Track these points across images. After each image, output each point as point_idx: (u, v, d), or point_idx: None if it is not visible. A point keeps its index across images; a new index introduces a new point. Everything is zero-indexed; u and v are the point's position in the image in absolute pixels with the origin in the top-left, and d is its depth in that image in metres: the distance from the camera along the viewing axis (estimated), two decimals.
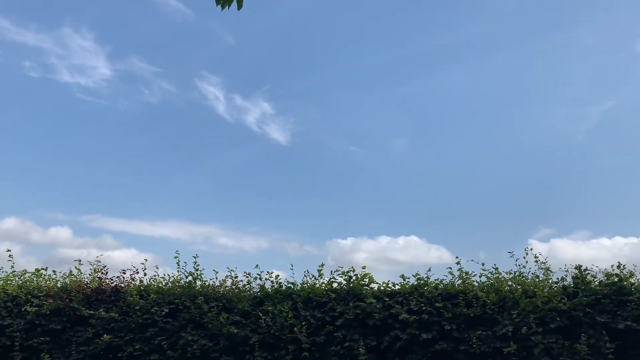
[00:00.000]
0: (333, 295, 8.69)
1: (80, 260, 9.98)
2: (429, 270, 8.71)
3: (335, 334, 8.35)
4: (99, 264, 9.89)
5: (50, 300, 9.26)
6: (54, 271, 10.06)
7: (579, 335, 7.44)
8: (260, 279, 9.32)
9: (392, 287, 8.70)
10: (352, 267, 8.95)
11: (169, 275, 9.74)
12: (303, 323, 8.35)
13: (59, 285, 9.80)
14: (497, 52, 23.30)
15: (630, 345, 7.69)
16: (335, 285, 8.98)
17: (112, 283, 9.68)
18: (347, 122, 25.27)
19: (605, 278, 8.17)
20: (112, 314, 9.07)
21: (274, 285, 9.18)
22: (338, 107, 25.28)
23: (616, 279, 8.05)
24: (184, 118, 25.18)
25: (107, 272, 9.84)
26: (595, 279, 8.25)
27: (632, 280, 8.16)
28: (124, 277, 9.74)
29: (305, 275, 9.23)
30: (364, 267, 8.94)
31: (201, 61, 24.95)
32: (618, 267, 8.20)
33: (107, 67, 23.58)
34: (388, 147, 24.91)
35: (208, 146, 25.41)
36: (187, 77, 25.01)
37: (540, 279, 8.48)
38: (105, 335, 8.87)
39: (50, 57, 23.22)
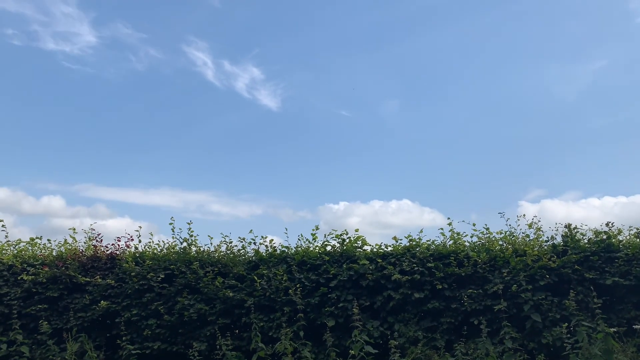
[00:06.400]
0: (327, 258, 8.81)
1: (74, 229, 10.02)
2: (421, 231, 8.87)
3: (329, 295, 8.50)
4: (94, 232, 9.95)
5: (47, 269, 9.32)
6: (48, 240, 10.12)
7: (568, 292, 7.59)
8: (254, 243, 9.43)
9: (385, 249, 8.83)
10: (345, 230, 9.08)
11: (163, 242, 9.84)
12: (298, 285, 8.47)
13: (54, 253, 9.85)
14: (488, 10, 23.02)
15: (617, 300, 7.89)
16: (328, 248, 9.10)
17: (107, 250, 9.74)
18: (337, 85, 25.07)
19: (594, 236, 8.31)
20: (108, 280, 9.17)
21: (268, 250, 9.27)
22: (327, 70, 25.02)
23: (604, 237, 8.20)
24: (172, 85, 24.89)
25: (101, 240, 9.90)
26: (584, 237, 8.40)
27: (620, 237, 8.33)
28: (119, 245, 9.81)
29: (299, 239, 9.36)
30: (356, 230, 9.06)
31: (188, 26, 24.50)
32: (607, 225, 8.36)
33: (91, 34, 23.13)
34: (379, 110, 24.80)
35: (198, 113, 25.22)
36: (174, 43, 24.62)
37: (531, 238, 8.61)
38: (102, 301, 8.98)
39: (33, 24, 22.71)
